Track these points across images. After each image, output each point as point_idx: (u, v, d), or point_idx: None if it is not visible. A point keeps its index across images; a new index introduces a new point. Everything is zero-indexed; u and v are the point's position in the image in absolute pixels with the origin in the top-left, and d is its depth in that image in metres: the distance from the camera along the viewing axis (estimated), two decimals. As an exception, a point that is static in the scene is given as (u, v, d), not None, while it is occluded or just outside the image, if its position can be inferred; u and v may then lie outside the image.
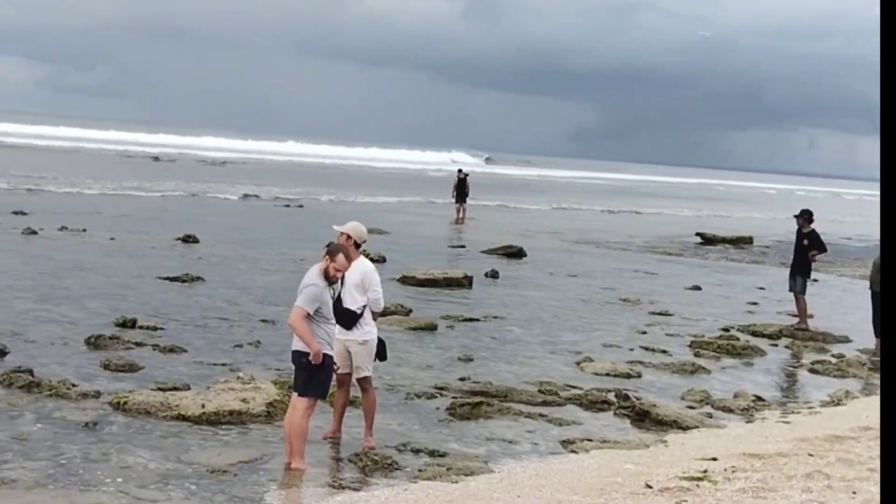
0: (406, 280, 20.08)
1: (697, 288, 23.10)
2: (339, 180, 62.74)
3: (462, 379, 12.25)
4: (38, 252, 20.56)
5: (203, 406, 9.74)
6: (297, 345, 8.41)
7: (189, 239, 24.25)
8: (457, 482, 8.33)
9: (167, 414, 9.64)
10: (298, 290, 8.39)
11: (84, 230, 24.65)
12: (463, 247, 28.76)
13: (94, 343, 12.54)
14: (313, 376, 8.40)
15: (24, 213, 27.23)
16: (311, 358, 8.30)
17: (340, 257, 8.48)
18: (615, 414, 11.36)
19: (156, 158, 71.35)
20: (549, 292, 20.85)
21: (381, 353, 9.35)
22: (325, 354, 8.39)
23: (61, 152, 69.24)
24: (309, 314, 8.27)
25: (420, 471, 8.71)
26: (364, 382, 9.26)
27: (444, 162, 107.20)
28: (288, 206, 39.00)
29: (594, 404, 11.60)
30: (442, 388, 11.72)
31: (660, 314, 18.76)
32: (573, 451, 9.69)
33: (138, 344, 12.73)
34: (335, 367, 8.69)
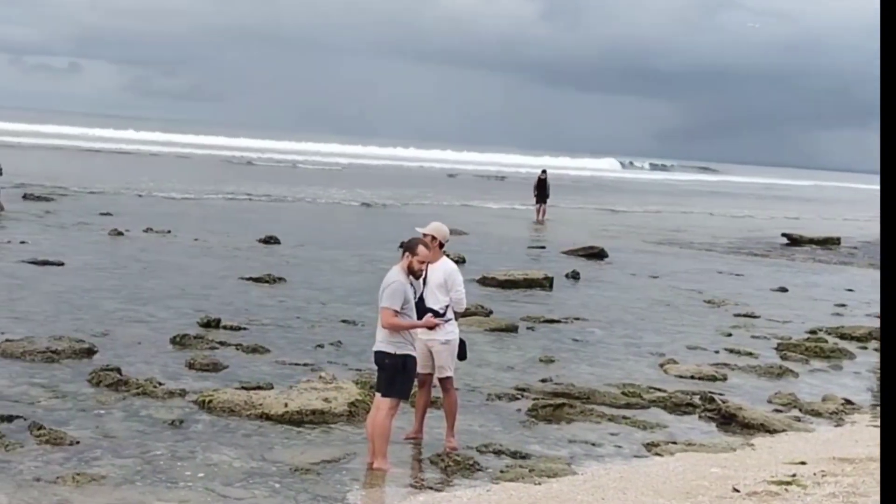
0: (486, 281, 20.03)
1: (784, 289, 22.66)
2: (420, 182, 62.96)
3: (543, 380, 12.16)
4: (125, 253, 20.95)
5: (286, 405, 9.81)
6: (381, 345, 8.40)
7: (270, 240, 24.52)
8: (539, 484, 8.25)
9: (251, 413, 9.72)
10: (380, 292, 8.39)
11: (169, 231, 25.06)
12: (543, 247, 28.62)
13: (180, 342, 12.71)
14: (396, 377, 8.39)
15: (110, 215, 27.80)
16: (424, 324, 8.46)
17: (421, 248, 8.52)
18: (700, 417, 11.18)
19: (249, 162, 72.32)
20: (632, 293, 20.63)
21: (461, 353, 9.32)
22: (408, 356, 8.39)
23: (147, 156, 70.58)
24: (396, 312, 8.28)
25: (502, 472, 8.65)
26: (446, 383, 9.23)
27: (526, 163, 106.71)
28: (369, 206, 39.23)
29: (679, 407, 11.42)
30: (523, 390, 11.64)
31: (745, 316, 18.43)
32: (657, 455, 9.55)
33: (222, 343, 12.88)
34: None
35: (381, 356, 8.42)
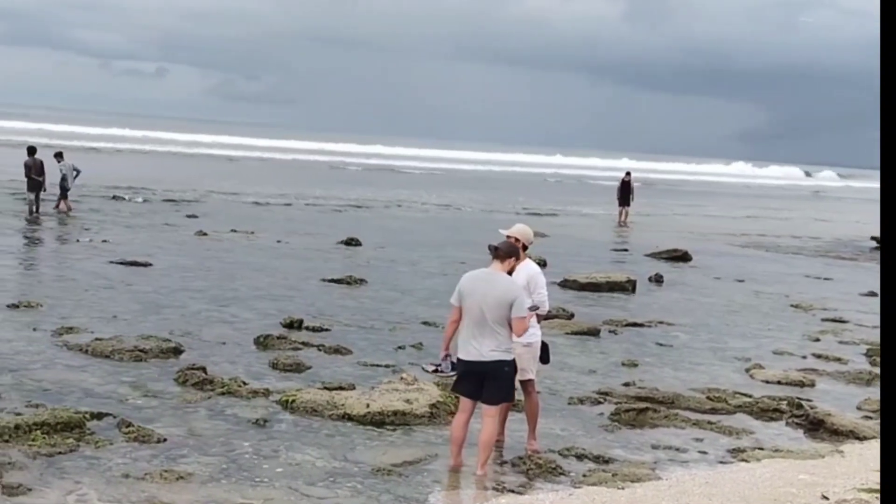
0: (567, 283, 19.90)
1: (873, 294, 22.09)
2: (497, 185, 62.92)
3: (626, 384, 12.03)
4: (210, 254, 21.26)
5: (368, 406, 9.84)
6: (497, 354, 8.15)
7: (352, 242, 24.69)
8: (623, 488, 8.15)
9: (333, 413, 9.77)
10: (508, 299, 8.12)
11: (252, 233, 25.40)
12: (626, 250, 28.37)
13: (263, 343, 12.85)
14: (511, 383, 8.38)
15: (196, 217, 28.27)
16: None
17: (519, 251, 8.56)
18: (788, 423, 10.96)
19: (334, 166, 73.01)
20: (716, 297, 20.32)
21: (544, 356, 9.26)
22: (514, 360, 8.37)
23: (232, 159, 71.63)
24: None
25: (584, 476, 8.57)
26: (528, 385, 9.18)
27: (608, 166, 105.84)
28: (447, 208, 39.28)
29: (765, 412, 11.21)
30: (606, 394, 11.53)
31: (834, 321, 18.04)
32: (744, 461, 9.38)
33: (304, 344, 12.98)
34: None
35: (499, 365, 8.19)
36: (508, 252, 8.44)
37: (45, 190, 27.21)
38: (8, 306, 13.96)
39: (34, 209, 26.52)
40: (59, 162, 27.70)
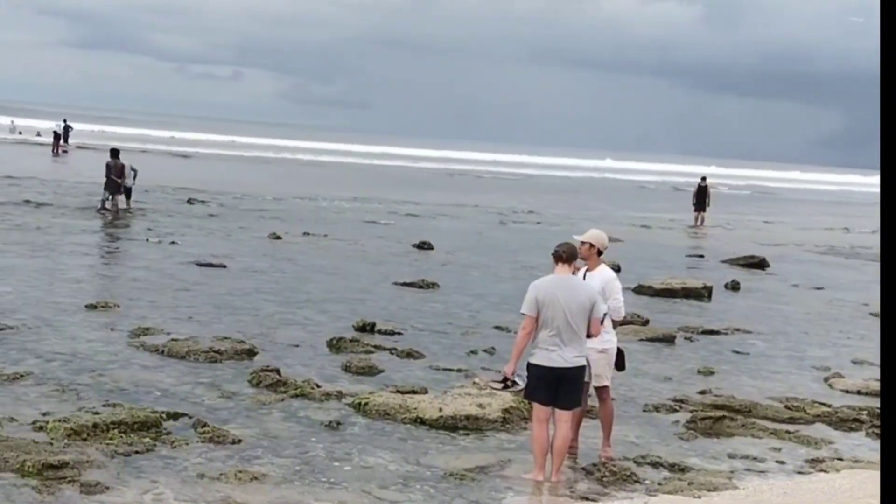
0: (642, 289, 19.69)
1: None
2: (571, 190, 62.61)
3: (702, 392, 11.86)
4: (283, 256, 21.44)
5: (440, 410, 9.81)
6: (580, 360, 8.22)
7: (424, 245, 24.72)
8: (699, 497, 8.03)
9: (405, 416, 9.76)
10: (591, 301, 8.21)
11: (325, 235, 25.57)
12: (701, 256, 28.01)
13: (335, 346, 12.89)
14: (583, 388, 8.38)
15: (269, 219, 28.55)
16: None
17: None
18: (868, 433, 10.69)
19: (410, 170, 73.35)
20: (794, 305, 19.96)
21: (620, 363, 9.15)
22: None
23: (304, 163, 72.30)
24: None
25: (660, 484, 8.46)
26: (602, 392, 9.09)
27: (686, 172, 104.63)
28: (518, 213, 39.15)
29: (844, 422, 10.97)
30: (681, 401, 11.37)
31: (915, 330, 17.57)
32: (823, 471, 9.18)
33: (377, 347, 13.00)
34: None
35: (580, 370, 8.27)
36: (573, 254, 8.40)
37: (121, 192, 27.84)
38: (86, 307, 14.21)
39: (107, 207, 27.27)
40: (115, 161, 28.17)
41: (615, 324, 9.13)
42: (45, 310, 13.80)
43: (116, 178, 27.48)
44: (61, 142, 58.22)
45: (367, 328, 14.03)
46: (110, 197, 27.52)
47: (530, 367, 8.23)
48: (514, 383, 8.36)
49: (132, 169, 28.30)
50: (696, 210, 39.38)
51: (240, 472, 7.90)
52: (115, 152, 28.37)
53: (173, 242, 22.00)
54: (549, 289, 8.16)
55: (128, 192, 28.34)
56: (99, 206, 27.62)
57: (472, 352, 13.27)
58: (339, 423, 9.51)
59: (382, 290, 17.99)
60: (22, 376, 10.28)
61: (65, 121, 63.51)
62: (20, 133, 70.19)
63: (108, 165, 27.65)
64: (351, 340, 13.13)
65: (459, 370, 12.13)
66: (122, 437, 8.52)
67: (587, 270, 9.01)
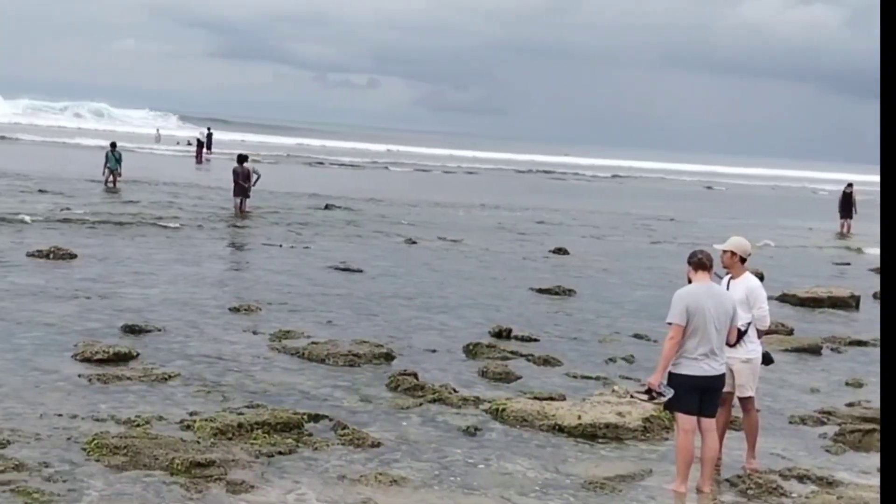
0: (786, 298, 19.13)
1: None
2: (714, 198, 61.44)
3: (850, 405, 11.44)
4: (419, 261, 21.58)
5: (579, 417, 9.69)
6: (724, 367, 8.17)
7: (560, 251, 24.56)
8: (851, 514, 7.72)
9: (543, 423, 9.68)
10: (733, 309, 8.14)
11: (460, 240, 25.64)
12: (848, 264, 27.11)
13: (472, 351, 12.89)
14: (721, 396, 8.30)
15: (405, 224, 28.80)
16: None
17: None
18: None
19: (548, 177, 73.23)
20: (947, 315, 19.09)
21: (766, 359, 8.96)
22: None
23: (442, 171, 72.78)
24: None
25: (807, 498, 8.19)
26: (746, 403, 8.85)
27: (831, 179, 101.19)
28: (661, 220, 38.60)
29: None
30: (828, 413, 10.98)
31: None
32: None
33: (513, 353, 12.94)
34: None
35: (724, 379, 8.24)
36: (712, 262, 8.25)
37: (249, 196, 28.70)
38: (230, 310, 14.56)
39: (238, 212, 28.23)
40: (241, 167, 28.88)
41: (760, 333, 8.89)
42: (190, 312, 14.20)
43: (243, 183, 28.45)
44: (205, 150, 59.85)
45: (503, 334, 13.99)
46: (239, 201, 28.46)
47: (675, 377, 8.04)
48: (661, 395, 8.18)
49: (254, 172, 29.08)
50: (841, 217, 38.63)
51: (380, 474, 7.95)
52: (242, 158, 29.27)
53: (307, 247, 22.37)
54: (698, 298, 7.99)
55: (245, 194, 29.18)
56: (233, 211, 28.50)
57: (611, 359, 13.10)
58: (477, 429, 9.49)
59: (518, 296, 17.93)
60: (171, 377, 10.59)
61: (208, 129, 65.42)
62: (189, 143, 71.51)
63: (235, 171, 28.81)
64: (487, 346, 13.11)
65: (598, 378, 11.98)
66: (265, 437, 8.67)
67: (731, 279, 8.81)
